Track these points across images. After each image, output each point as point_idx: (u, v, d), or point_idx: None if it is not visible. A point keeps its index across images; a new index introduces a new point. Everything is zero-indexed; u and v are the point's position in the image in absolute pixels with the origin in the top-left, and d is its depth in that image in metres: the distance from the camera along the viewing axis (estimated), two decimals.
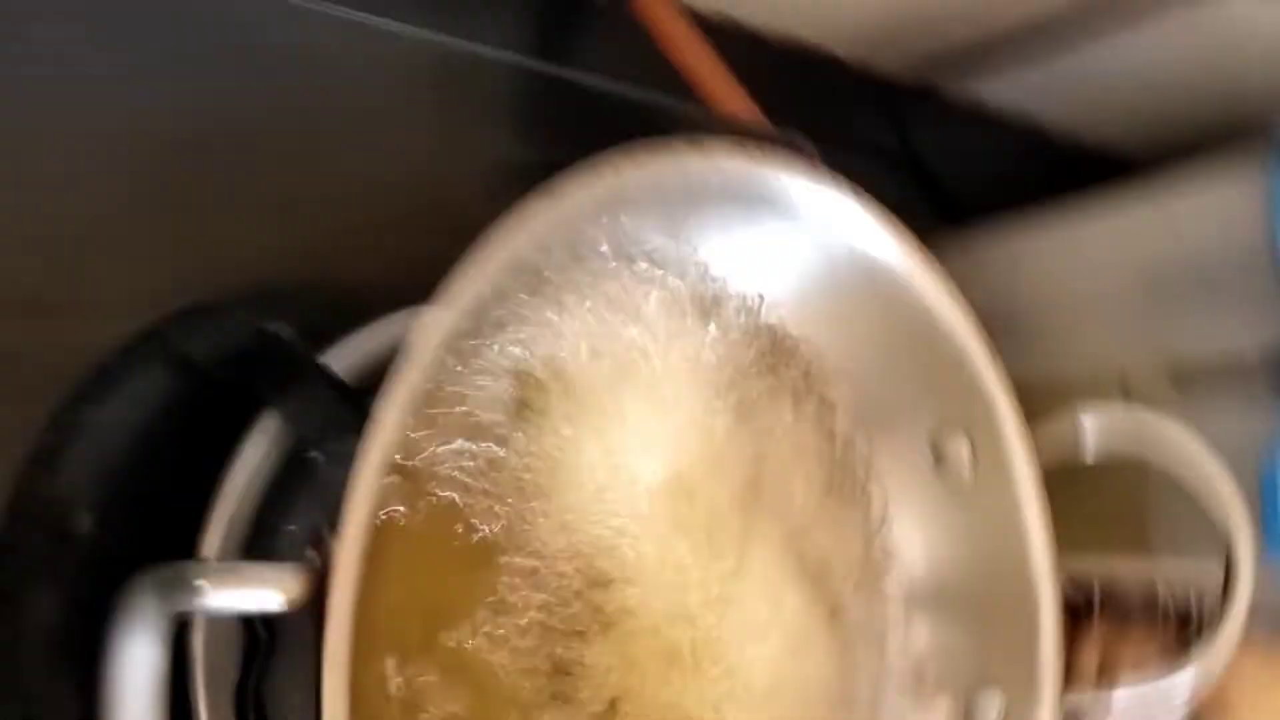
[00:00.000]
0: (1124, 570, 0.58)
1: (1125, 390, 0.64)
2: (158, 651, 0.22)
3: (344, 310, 0.45)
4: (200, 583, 0.25)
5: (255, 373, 0.40)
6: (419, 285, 0.43)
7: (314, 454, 0.39)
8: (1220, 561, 0.54)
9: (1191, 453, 0.42)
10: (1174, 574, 0.56)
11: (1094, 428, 0.43)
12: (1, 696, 0.41)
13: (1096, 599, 0.62)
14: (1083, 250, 0.61)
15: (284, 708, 0.38)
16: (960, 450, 0.43)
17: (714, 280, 0.42)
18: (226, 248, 0.45)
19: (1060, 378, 0.64)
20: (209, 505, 0.39)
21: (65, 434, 0.43)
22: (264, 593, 0.26)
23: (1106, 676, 0.55)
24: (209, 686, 0.37)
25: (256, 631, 0.38)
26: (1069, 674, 0.42)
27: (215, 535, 0.38)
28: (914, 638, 0.46)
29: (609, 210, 0.34)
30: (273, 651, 0.38)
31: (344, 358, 0.42)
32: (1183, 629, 0.61)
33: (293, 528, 0.39)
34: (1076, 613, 0.59)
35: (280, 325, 0.38)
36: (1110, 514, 0.57)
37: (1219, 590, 0.50)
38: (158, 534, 0.41)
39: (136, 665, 0.21)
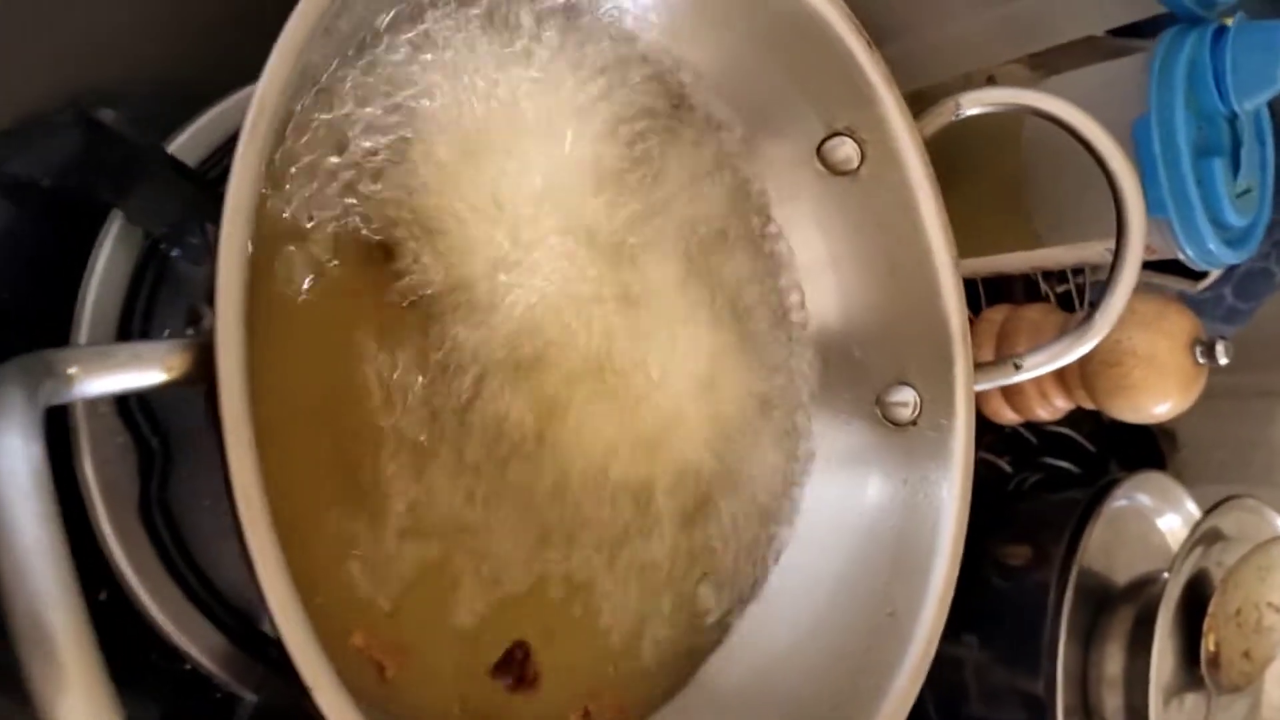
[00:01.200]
0: (1004, 264, 0.59)
1: (991, 83, 0.64)
2: (35, 445, 0.20)
3: (174, 100, 0.41)
4: (73, 369, 0.22)
5: (95, 174, 0.37)
6: (253, 62, 0.40)
7: (172, 251, 0.37)
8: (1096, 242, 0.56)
9: (1066, 114, 0.41)
10: (1048, 261, 0.57)
11: (970, 103, 0.42)
12: None
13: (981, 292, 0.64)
14: None
15: (192, 514, 0.37)
16: (847, 149, 0.42)
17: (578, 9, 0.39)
18: (30, 54, 0.40)
19: (933, 87, 0.64)
20: (70, 327, 0.36)
21: None
22: (144, 372, 0.24)
23: (1007, 352, 0.57)
24: (108, 505, 0.35)
25: (148, 443, 0.36)
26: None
27: (83, 335, 0.35)
28: (822, 345, 0.45)
29: None
30: (170, 461, 0.37)
31: (186, 148, 0.39)
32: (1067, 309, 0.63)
33: (167, 332, 0.37)
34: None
35: (106, 112, 0.34)
36: (985, 217, 0.58)
37: (1107, 257, 0.51)
38: None
39: (13, 459, 0.19)
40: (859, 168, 0.42)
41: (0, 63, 0.39)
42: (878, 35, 0.61)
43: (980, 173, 0.59)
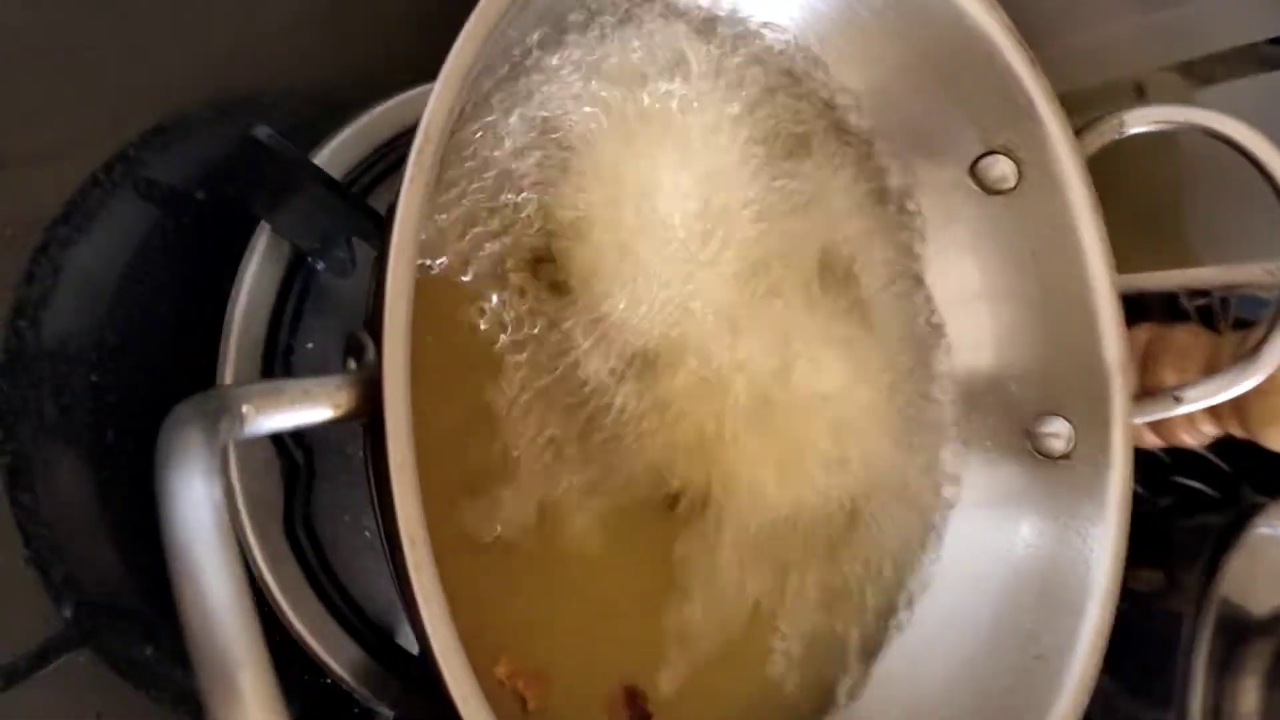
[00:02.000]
0: (1150, 282, 0.56)
1: (1140, 94, 0.62)
2: (216, 487, 0.19)
3: (320, 110, 0.41)
4: (247, 408, 0.22)
5: (243, 186, 0.37)
6: (396, 72, 0.40)
7: (318, 264, 0.36)
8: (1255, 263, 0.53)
9: (1237, 133, 0.39)
10: (1200, 281, 0.55)
11: (1135, 121, 0.40)
12: (42, 563, 0.40)
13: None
14: None
15: (334, 528, 0.37)
16: (1003, 167, 0.40)
17: (723, 20, 0.38)
18: (179, 56, 0.40)
19: (1073, 93, 0.61)
20: (219, 335, 0.36)
21: (44, 285, 0.40)
22: (314, 409, 0.23)
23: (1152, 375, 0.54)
24: (254, 518, 0.35)
25: (293, 458, 0.36)
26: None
27: (231, 364, 0.35)
28: (972, 373, 0.44)
29: None
30: (314, 475, 0.37)
31: (331, 160, 0.39)
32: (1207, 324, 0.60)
33: (310, 345, 0.37)
34: None
35: (262, 129, 0.34)
36: (1136, 231, 0.55)
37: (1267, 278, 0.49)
38: (166, 375, 0.39)
39: (197, 505, 0.19)
40: (1015, 186, 0.41)
41: (151, 66, 0.39)
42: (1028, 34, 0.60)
43: (1133, 183, 0.56)
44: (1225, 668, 0.67)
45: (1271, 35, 0.56)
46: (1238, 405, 0.54)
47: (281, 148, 0.34)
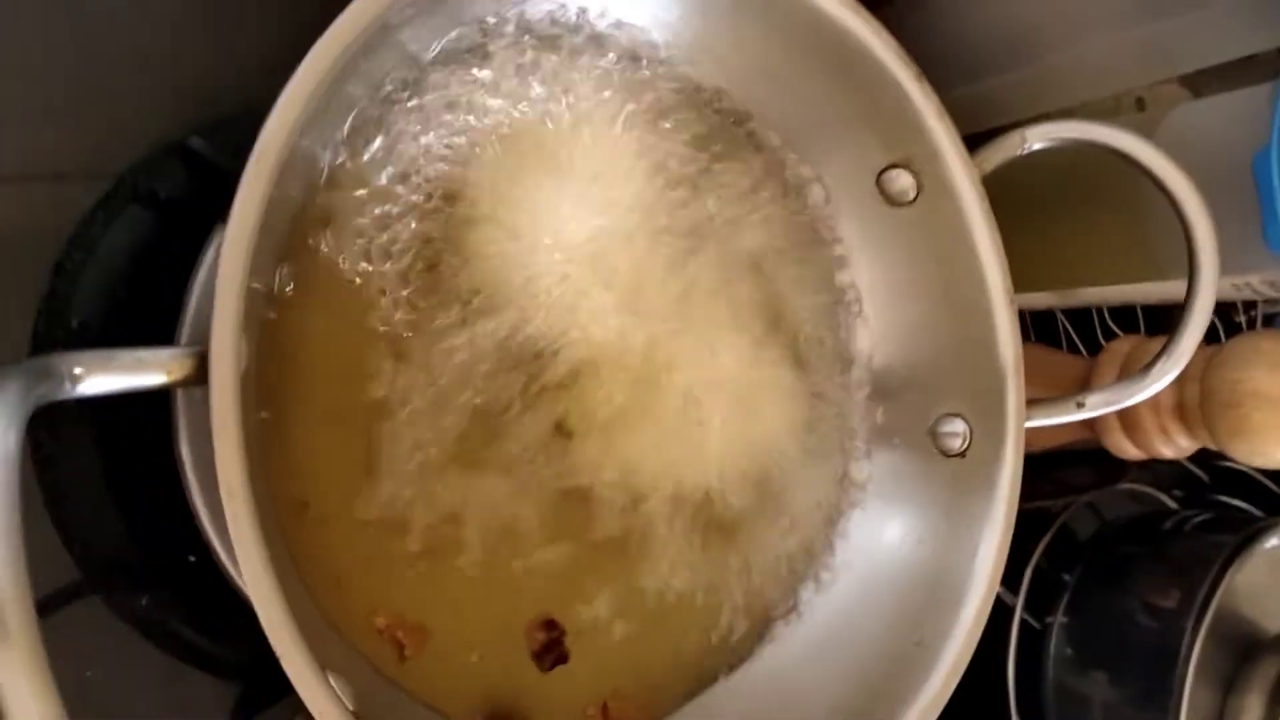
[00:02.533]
0: (1130, 294, 0.57)
1: (1142, 107, 0.62)
2: (12, 434, 0.24)
3: None
4: (78, 369, 0.27)
5: (204, 196, 0.42)
6: None
7: None
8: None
9: (1136, 150, 0.40)
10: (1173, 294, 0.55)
11: (1037, 137, 0.41)
12: (57, 519, 0.45)
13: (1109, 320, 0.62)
14: None
15: None
16: (904, 181, 0.43)
17: (615, 39, 0.41)
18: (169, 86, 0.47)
19: (1080, 106, 0.62)
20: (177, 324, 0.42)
21: (66, 280, 0.46)
22: (145, 375, 0.28)
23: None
24: (200, 481, 0.40)
25: None
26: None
27: (184, 332, 0.40)
28: (882, 370, 0.46)
29: None
30: None
31: None
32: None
33: None
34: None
35: (196, 139, 0.39)
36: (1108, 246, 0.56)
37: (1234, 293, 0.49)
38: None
39: None
40: (916, 199, 0.43)
41: (128, 99, 0.45)
42: (1020, 53, 0.61)
43: (1102, 200, 0.57)
44: (1230, 683, 0.66)
45: (1273, 46, 0.56)
46: (1205, 418, 0.54)
47: (219, 159, 0.39)
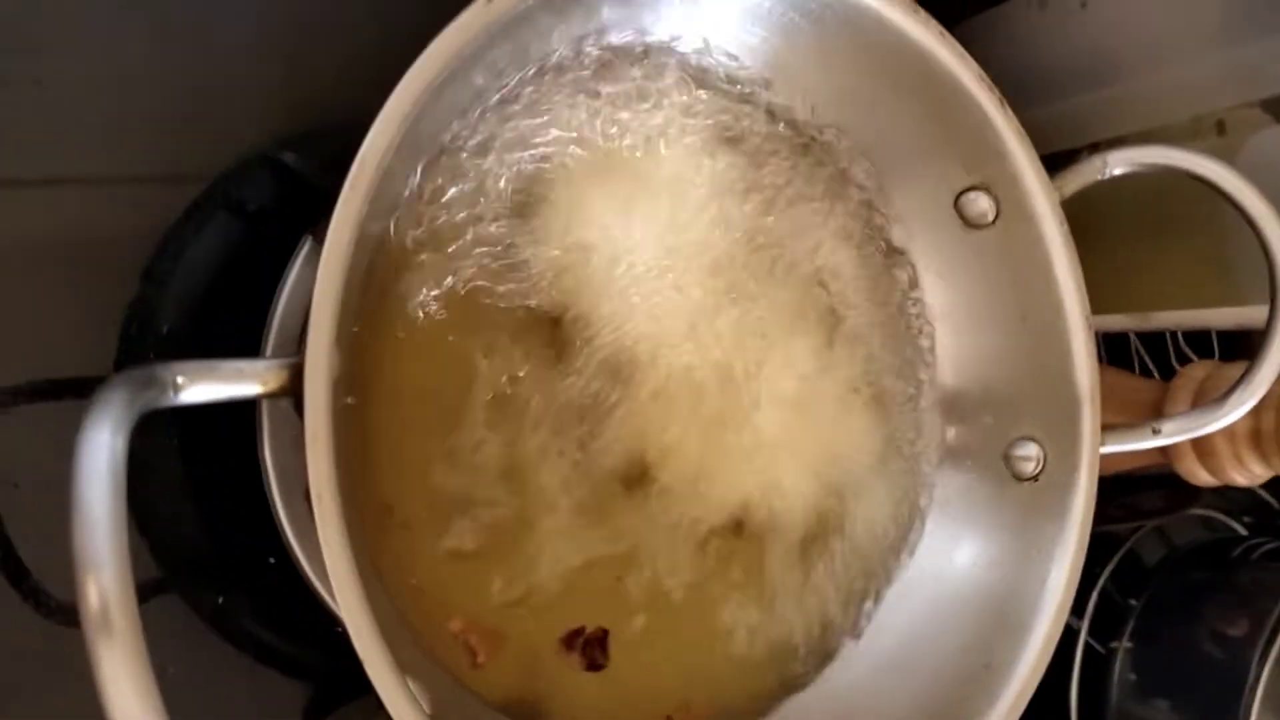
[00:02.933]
0: (1207, 319, 0.56)
1: (1222, 131, 0.62)
2: (121, 442, 0.25)
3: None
4: (181, 379, 0.28)
5: (293, 207, 0.44)
6: None
7: None
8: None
9: (1218, 176, 0.40)
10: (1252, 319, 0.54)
11: (1118, 162, 0.41)
12: (141, 522, 0.47)
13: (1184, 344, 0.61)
14: None
15: None
16: (983, 204, 0.43)
17: (703, 64, 0.42)
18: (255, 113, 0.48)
19: (1159, 129, 0.62)
20: (264, 329, 0.43)
21: (156, 285, 0.47)
22: (243, 385, 0.29)
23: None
24: (281, 486, 0.41)
25: None
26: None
27: (271, 340, 0.41)
28: (955, 393, 0.46)
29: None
30: None
31: None
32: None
33: None
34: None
35: (288, 154, 0.41)
36: (1187, 270, 0.56)
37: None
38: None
39: (98, 450, 0.24)
40: (994, 222, 0.43)
41: (219, 109, 0.46)
42: (1100, 75, 0.61)
43: (1183, 224, 0.57)
44: None
45: None
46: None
47: (307, 171, 0.40)
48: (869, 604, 0.45)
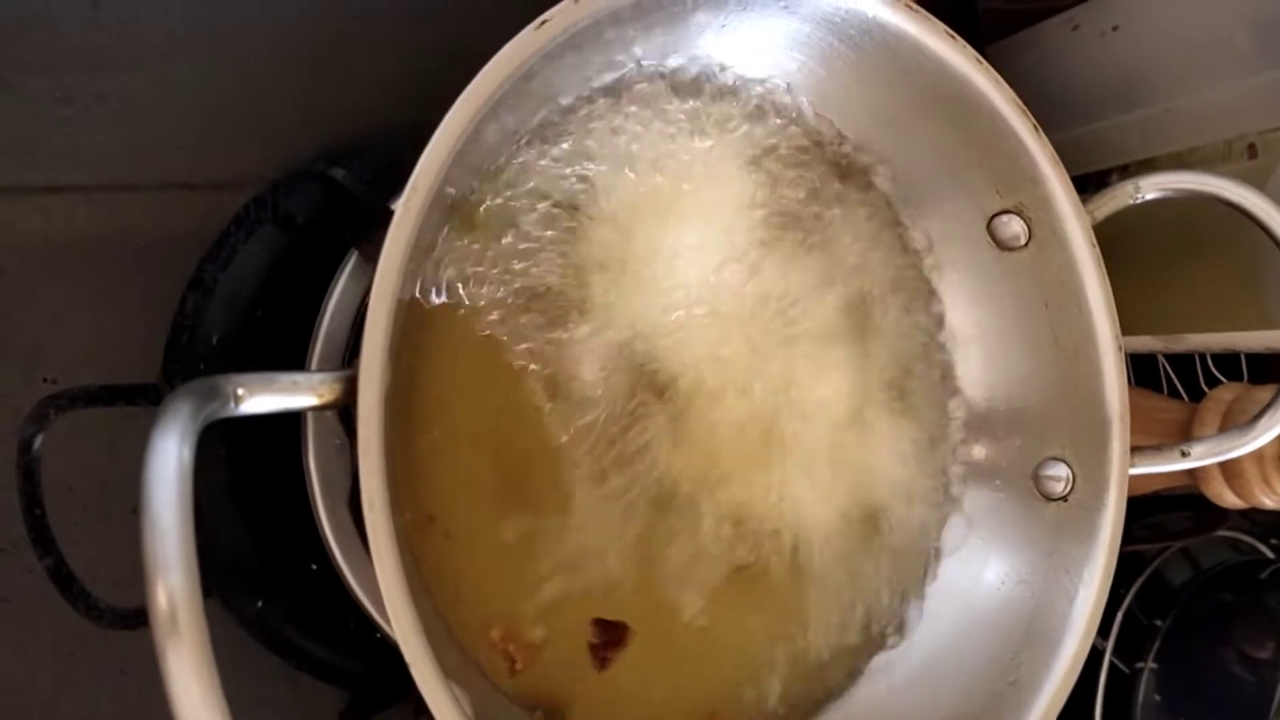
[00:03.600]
0: (1237, 342, 0.57)
1: (1254, 154, 0.62)
2: (187, 452, 0.26)
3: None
4: (241, 390, 0.29)
5: (340, 221, 0.45)
6: None
7: None
8: None
9: (1249, 202, 0.41)
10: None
11: (1150, 187, 0.42)
12: None
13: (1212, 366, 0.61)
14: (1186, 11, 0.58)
15: None
16: (1016, 227, 0.43)
17: (739, 88, 0.43)
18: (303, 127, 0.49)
19: (1191, 151, 0.62)
20: (309, 342, 0.44)
21: (204, 294, 0.48)
22: (299, 397, 0.30)
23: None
24: (324, 495, 0.42)
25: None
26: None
27: (316, 352, 0.42)
28: (977, 415, 0.47)
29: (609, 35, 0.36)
30: None
31: None
32: None
33: None
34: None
35: (340, 172, 0.42)
36: (1216, 292, 0.56)
37: None
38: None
39: (168, 457, 0.25)
40: (1026, 245, 0.43)
41: (268, 123, 0.48)
42: (1134, 97, 0.61)
43: (1213, 246, 0.57)
44: None
45: None
46: None
47: (356, 187, 0.42)
48: (896, 620, 0.45)
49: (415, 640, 0.30)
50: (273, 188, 0.49)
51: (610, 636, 0.40)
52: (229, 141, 0.49)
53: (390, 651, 0.45)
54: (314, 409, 0.31)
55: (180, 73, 0.47)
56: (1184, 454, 0.43)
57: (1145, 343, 0.63)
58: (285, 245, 0.49)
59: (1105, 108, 0.62)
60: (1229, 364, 0.67)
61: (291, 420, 0.43)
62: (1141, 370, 0.70)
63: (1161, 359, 0.70)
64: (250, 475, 0.47)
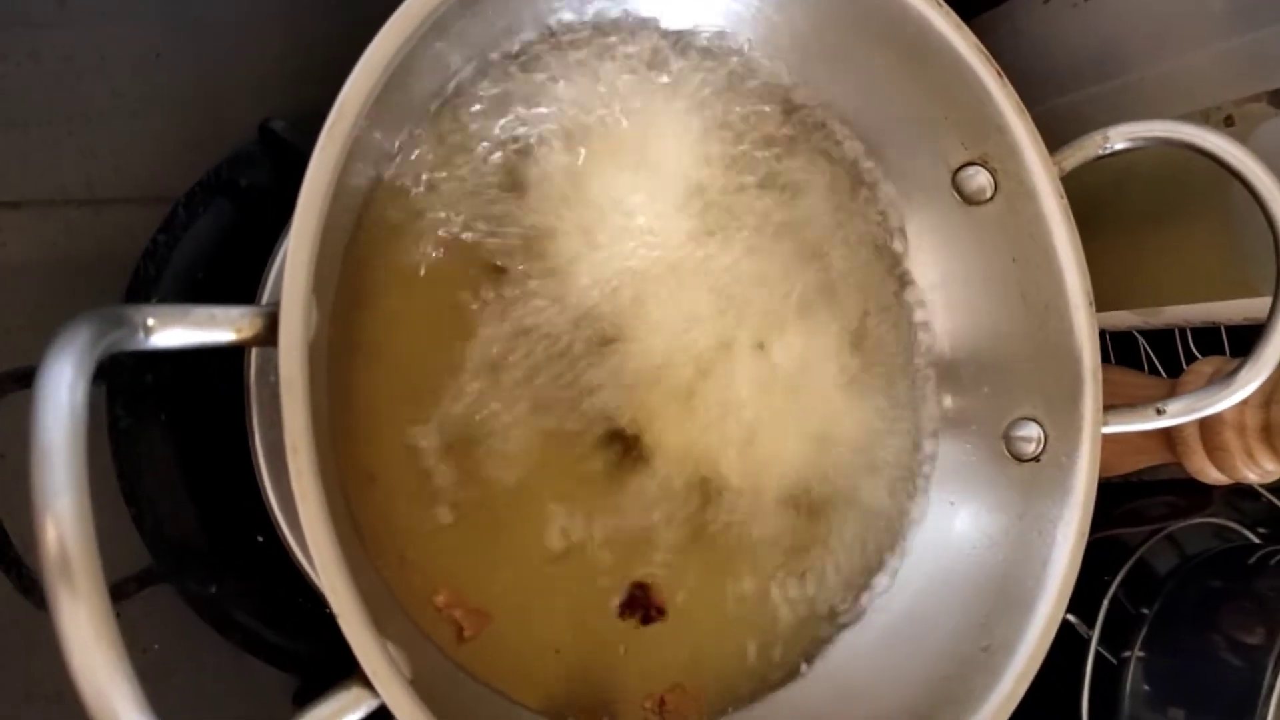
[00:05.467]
0: (1216, 313, 0.56)
1: (1230, 123, 0.61)
2: (83, 381, 0.24)
3: None
4: (152, 321, 0.27)
5: (281, 183, 0.43)
6: None
7: None
8: None
9: (1223, 150, 0.39)
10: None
11: (1119, 136, 0.41)
12: (136, 512, 0.46)
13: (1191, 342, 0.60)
14: None
15: None
16: (981, 180, 0.42)
17: (693, 37, 0.42)
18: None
19: None
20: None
21: (157, 262, 0.47)
22: (216, 331, 0.28)
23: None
24: (270, 464, 0.41)
25: None
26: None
27: None
28: (954, 370, 0.45)
29: None
30: None
31: None
32: None
33: None
34: None
35: (280, 123, 0.40)
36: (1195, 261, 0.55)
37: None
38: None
39: (60, 395, 0.24)
40: (992, 198, 0.42)
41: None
42: (1106, 67, 0.60)
43: (1190, 214, 0.56)
44: None
45: None
46: None
47: (295, 139, 0.40)
48: (867, 583, 0.44)
49: (343, 589, 0.29)
50: (223, 160, 0.48)
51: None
52: (181, 123, 0.48)
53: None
54: (233, 344, 0.29)
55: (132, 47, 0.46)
56: (1159, 411, 0.41)
57: (1123, 318, 0.61)
58: (233, 211, 0.47)
59: (1080, 79, 0.61)
60: (1210, 343, 0.65)
61: (237, 389, 0.42)
62: (1121, 351, 0.68)
63: (1141, 340, 0.69)
64: (195, 449, 0.46)
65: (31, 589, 0.40)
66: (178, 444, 0.47)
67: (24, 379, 0.42)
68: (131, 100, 0.46)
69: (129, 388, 0.45)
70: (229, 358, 0.43)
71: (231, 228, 0.47)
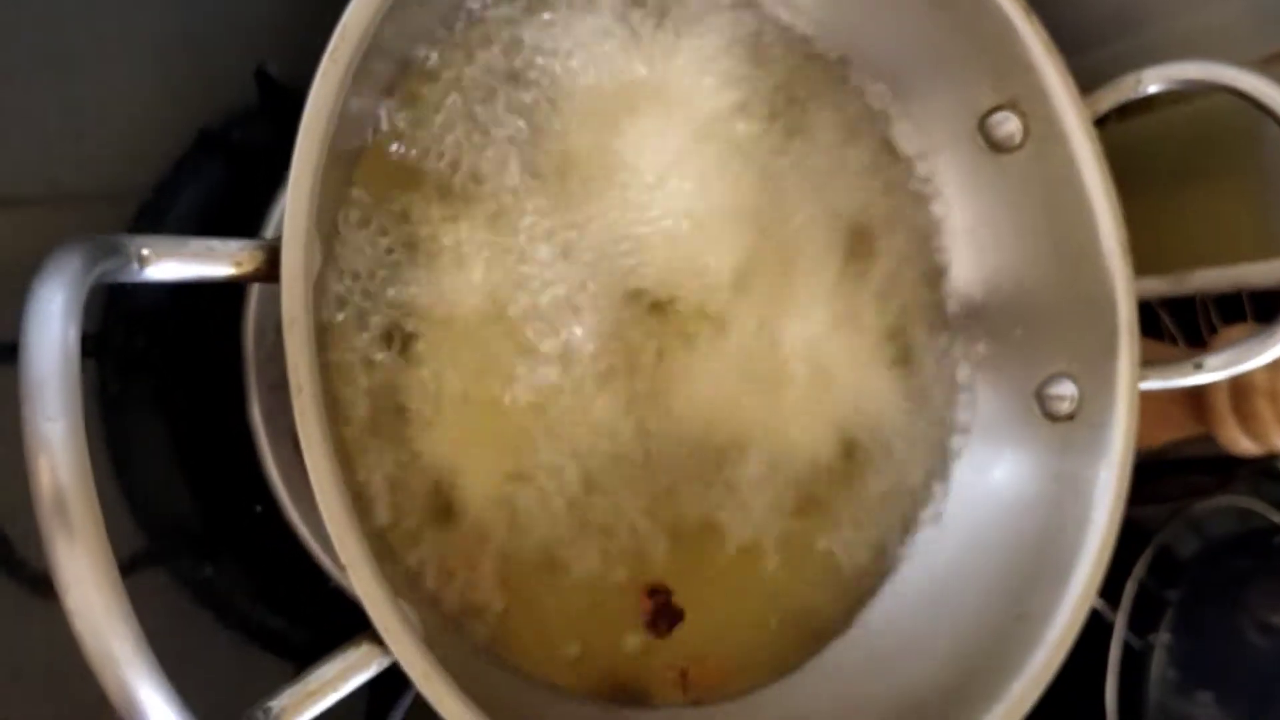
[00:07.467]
0: (1243, 276, 0.54)
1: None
2: (75, 302, 0.22)
3: None
4: (146, 251, 0.25)
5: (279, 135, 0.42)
6: None
7: None
8: None
9: (1262, 92, 0.38)
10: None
11: (1154, 79, 0.39)
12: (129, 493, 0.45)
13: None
14: None
15: None
16: (1010, 126, 0.40)
17: None
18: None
19: None
20: None
21: (152, 217, 0.45)
22: (215, 265, 0.27)
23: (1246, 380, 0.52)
24: (270, 434, 0.39)
25: None
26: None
27: None
28: (981, 327, 0.43)
29: None
30: None
31: None
32: None
33: None
34: None
35: (275, 66, 0.39)
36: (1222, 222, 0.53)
37: None
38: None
39: (52, 324, 0.22)
40: (1022, 144, 0.40)
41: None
42: (1129, 22, 0.58)
43: (1220, 174, 0.54)
44: None
45: None
46: None
47: (289, 82, 0.38)
48: (901, 542, 0.42)
49: (351, 539, 0.27)
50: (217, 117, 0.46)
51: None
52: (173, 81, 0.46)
53: (343, 606, 0.41)
54: (231, 279, 0.27)
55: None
56: (1197, 366, 0.40)
57: (1150, 286, 0.59)
58: (224, 167, 0.46)
59: (1102, 35, 0.59)
60: (1233, 311, 0.64)
61: (233, 361, 0.40)
62: (1142, 323, 0.66)
63: (1162, 313, 0.67)
64: (188, 416, 0.44)
65: (20, 566, 0.38)
66: (170, 411, 0.45)
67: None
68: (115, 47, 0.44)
69: (119, 352, 0.43)
70: (224, 318, 0.41)
71: (226, 182, 0.45)
